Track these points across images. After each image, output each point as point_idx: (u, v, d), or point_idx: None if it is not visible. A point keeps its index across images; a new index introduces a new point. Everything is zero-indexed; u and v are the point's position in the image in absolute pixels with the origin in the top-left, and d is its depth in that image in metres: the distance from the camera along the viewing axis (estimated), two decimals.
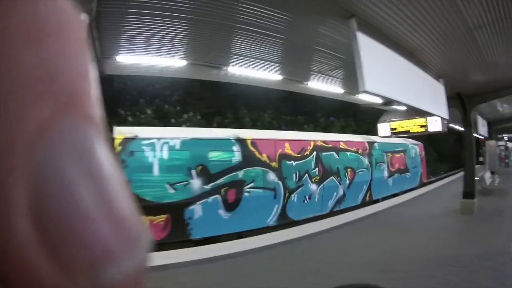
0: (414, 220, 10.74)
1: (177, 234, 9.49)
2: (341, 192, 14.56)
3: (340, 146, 14.98)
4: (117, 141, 8.87)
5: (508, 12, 5.70)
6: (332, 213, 12.90)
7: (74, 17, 0.19)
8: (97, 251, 0.17)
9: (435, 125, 10.57)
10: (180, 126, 16.57)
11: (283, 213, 12.05)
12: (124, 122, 16.55)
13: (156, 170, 9.36)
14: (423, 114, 10.09)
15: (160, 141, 9.61)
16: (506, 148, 38.58)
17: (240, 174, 11.00)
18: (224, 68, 8.01)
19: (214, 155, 10.57)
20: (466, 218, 10.46)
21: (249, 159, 11.28)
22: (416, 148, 20.71)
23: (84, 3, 4.41)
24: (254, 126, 21.32)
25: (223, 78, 9.43)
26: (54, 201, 0.16)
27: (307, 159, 13.27)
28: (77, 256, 0.16)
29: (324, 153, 13.97)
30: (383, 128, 12.42)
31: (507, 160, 38.17)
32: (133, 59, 7.10)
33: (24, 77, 0.16)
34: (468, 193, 11.48)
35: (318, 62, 8.19)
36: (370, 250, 7.46)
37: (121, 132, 9.18)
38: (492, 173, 20.22)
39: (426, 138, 18.08)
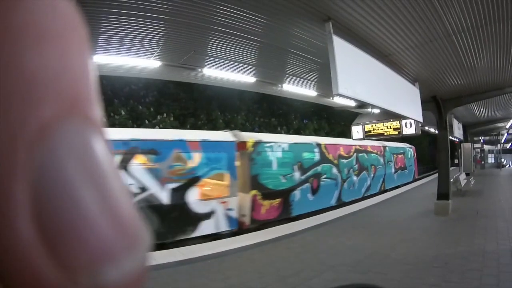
0: (390, 221, 10.78)
1: (285, 213, 13.16)
2: (369, 183, 19.38)
3: (368, 149, 19.68)
4: (249, 144, 11.99)
5: (489, 17, 5.75)
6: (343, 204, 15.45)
7: (75, 18, 0.19)
8: (98, 251, 0.17)
9: (409, 127, 10.69)
10: (154, 127, 16.45)
11: (339, 197, 16.54)
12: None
13: (274, 165, 12.99)
14: (398, 117, 10.18)
15: (275, 144, 13.29)
16: (482, 150, 39.39)
17: (319, 168, 15.36)
18: (199, 69, 7.95)
19: (305, 154, 14.68)
20: (441, 219, 10.56)
21: (323, 158, 15.68)
22: (411, 151, 25.86)
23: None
24: (227, 127, 21.28)
25: (198, 80, 9.39)
26: (55, 202, 0.16)
27: (351, 158, 17.97)
28: (78, 255, 0.16)
29: (360, 154, 18.75)
30: (357, 131, 12.55)
31: (483, 162, 38.97)
32: (109, 59, 7.00)
33: (25, 79, 0.16)
34: (443, 194, 11.60)
35: (293, 65, 8.21)
36: (348, 252, 7.47)
37: (250, 137, 12.52)
38: (467, 174, 20.58)
39: (400, 140, 18.44)
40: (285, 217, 12.70)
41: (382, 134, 11.68)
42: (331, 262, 6.82)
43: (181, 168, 9.82)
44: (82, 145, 0.18)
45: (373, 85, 6.24)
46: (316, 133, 26.33)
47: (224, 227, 10.74)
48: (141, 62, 7.28)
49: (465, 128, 21.34)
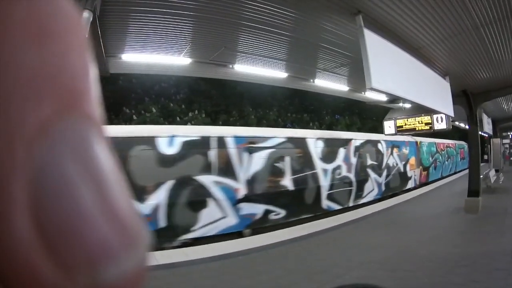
0: (419, 219, 10.71)
1: (427, 179, 21.83)
2: (453, 165, 27.08)
3: (449, 145, 27.49)
4: (419, 143, 18.59)
5: None
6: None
7: (75, 17, 0.19)
8: (97, 250, 0.16)
9: (440, 122, 10.54)
10: (185, 124, 16.55)
11: (442, 173, 24.82)
12: (129, 121, 16.56)
13: (425, 155, 21.19)
14: (429, 111, 10.05)
15: (426, 143, 21.29)
16: (511, 146, 38.45)
17: (435, 156, 23.72)
18: (230, 65, 8.01)
19: (432, 149, 23.14)
20: (471, 217, 10.40)
21: (436, 151, 23.82)
22: (465, 146, 28.05)
23: (88, 1, 4.41)
24: (259, 124, 21.26)
25: (228, 76, 9.45)
26: (54, 200, 0.16)
27: (445, 150, 25.88)
28: (77, 254, 0.16)
29: (447, 148, 26.50)
30: (389, 126, 12.40)
31: (511, 158, 38.04)
32: (138, 58, 7.12)
33: (24, 77, 0.16)
34: (473, 191, 11.42)
35: (324, 60, 8.20)
36: (377, 249, 7.43)
37: (422, 140, 18.89)
38: (497, 171, 20.17)
39: (431, 135, 18.18)
40: (426, 181, 21.39)
41: (414, 129, 11.54)
42: (360, 259, 6.81)
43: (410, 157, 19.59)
44: (81, 143, 0.18)
45: (404, 79, 6.21)
46: (348, 128, 26.03)
47: (412, 184, 19.52)
48: (171, 59, 7.36)
49: (494, 123, 20.89)
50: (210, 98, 20.96)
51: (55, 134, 0.17)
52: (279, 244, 8.03)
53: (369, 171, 15.41)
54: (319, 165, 12.65)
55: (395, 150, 17.62)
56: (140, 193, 8.24)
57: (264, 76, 9.03)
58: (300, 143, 11.98)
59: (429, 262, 6.38)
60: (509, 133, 35.51)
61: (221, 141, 9.90)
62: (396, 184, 17.49)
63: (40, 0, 0.18)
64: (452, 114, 9.47)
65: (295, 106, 26.59)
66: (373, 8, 5.44)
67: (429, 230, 9.03)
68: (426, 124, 10.94)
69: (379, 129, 13.95)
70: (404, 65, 6.31)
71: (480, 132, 13.80)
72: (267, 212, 10.84)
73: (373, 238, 8.44)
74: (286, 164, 11.45)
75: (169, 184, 8.80)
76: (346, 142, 13.91)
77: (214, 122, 18.92)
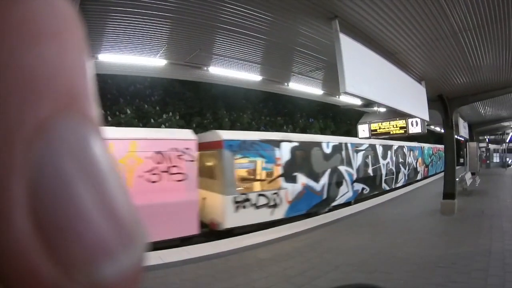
0: (396, 221, 10.77)
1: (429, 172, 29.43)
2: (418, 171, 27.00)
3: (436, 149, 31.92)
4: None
5: (495, 15, 5.73)
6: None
7: (72, 17, 0.19)
8: (95, 248, 0.17)
9: (415, 126, 10.64)
10: (159, 126, 16.50)
11: (435, 170, 30.92)
12: (104, 122, 16.33)
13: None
14: (404, 115, 10.13)
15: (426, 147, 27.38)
16: (488, 149, 39.22)
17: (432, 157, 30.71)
18: (205, 68, 7.95)
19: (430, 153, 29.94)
20: (447, 219, 10.51)
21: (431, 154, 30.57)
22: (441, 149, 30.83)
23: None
24: (233, 127, 21.29)
25: (203, 78, 9.43)
26: (53, 199, 0.16)
27: (435, 154, 30.94)
28: (75, 252, 0.16)
29: (436, 152, 31.55)
30: (363, 130, 12.49)
31: (488, 161, 38.81)
32: (114, 58, 7.01)
33: (23, 77, 0.16)
34: (449, 194, 11.56)
35: (299, 63, 8.20)
36: (355, 251, 7.45)
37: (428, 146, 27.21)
38: (473, 174, 20.51)
39: (406, 139, 18.48)
40: (427, 175, 28.33)
41: (388, 133, 11.62)
42: (337, 261, 6.79)
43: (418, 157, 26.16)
44: (79, 142, 0.18)
45: (379, 83, 6.23)
46: (322, 132, 26.19)
47: (420, 176, 26.60)
48: (146, 60, 7.28)
49: (470, 127, 21.32)
50: (185, 100, 20.91)
51: (53, 134, 0.17)
52: (255, 247, 7.99)
53: (401, 166, 22.52)
54: (381, 161, 19.54)
55: (411, 152, 24.74)
56: (315, 177, 13.92)
57: (238, 79, 9.01)
58: (373, 147, 18.60)
59: (406, 263, 6.42)
60: (485, 137, 36.22)
61: (346, 146, 16.06)
62: (413, 175, 24.84)
63: (38, 1, 0.18)
64: (427, 118, 9.56)
65: (269, 109, 26.67)
66: (349, 13, 5.44)
67: (406, 232, 9.12)
68: (401, 128, 11.02)
69: (353, 133, 14.32)
70: (379, 70, 6.32)
71: (456, 136, 14.00)
72: (363, 189, 17.31)
73: (350, 240, 8.45)
74: (370, 160, 18.30)
75: (328, 171, 14.68)
76: (390, 147, 20.73)
77: (187, 125, 18.83)
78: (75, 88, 0.18)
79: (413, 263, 6.38)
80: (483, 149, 37.21)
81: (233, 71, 8.42)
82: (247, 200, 10.97)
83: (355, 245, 7.99)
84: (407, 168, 23.46)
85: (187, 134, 10.16)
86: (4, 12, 0.17)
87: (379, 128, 11.80)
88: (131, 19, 5.66)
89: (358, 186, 16.70)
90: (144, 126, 15.62)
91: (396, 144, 21.34)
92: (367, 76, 5.74)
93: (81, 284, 0.16)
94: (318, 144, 14.34)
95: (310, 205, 13.24)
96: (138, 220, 0.19)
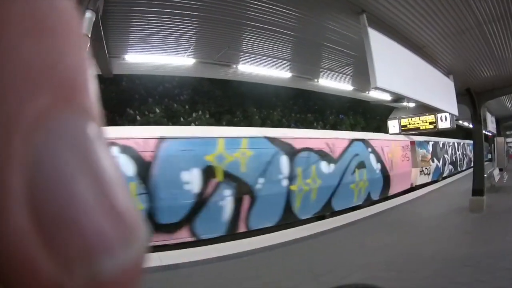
0: (424, 219, 10.68)
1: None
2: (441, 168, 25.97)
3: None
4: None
5: None
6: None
7: (72, 13, 0.19)
8: (94, 242, 0.16)
9: (444, 121, 10.51)
10: (189, 125, 16.56)
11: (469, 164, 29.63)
12: (132, 122, 16.55)
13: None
14: (433, 110, 10.03)
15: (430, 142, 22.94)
16: None
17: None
18: (234, 66, 8.00)
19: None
20: (476, 216, 10.39)
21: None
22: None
23: (90, 1, 4.38)
24: (263, 124, 21.24)
25: (233, 76, 9.46)
26: (51, 192, 0.16)
27: (446, 151, 27.42)
28: (74, 247, 0.16)
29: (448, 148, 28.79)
30: (393, 125, 12.39)
31: None
32: (142, 58, 7.11)
33: (22, 69, 0.16)
34: (478, 190, 11.40)
35: (328, 59, 8.20)
36: (383, 250, 7.43)
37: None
38: (501, 170, 20.13)
39: (435, 134, 18.22)
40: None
41: (418, 128, 11.53)
42: (363, 260, 6.79)
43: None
44: (78, 135, 0.18)
45: (409, 78, 6.20)
46: (353, 128, 26.01)
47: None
48: (175, 60, 7.35)
49: (498, 122, 20.86)
50: (214, 99, 20.90)
51: (52, 127, 0.17)
52: (283, 245, 8.02)
53: (463, 156, 30.27)
54: (457, 152, 28.42)
55: (467, 146, 30.41)
56: (438, 161, 22.64)
57: (268, 76, 8.99)
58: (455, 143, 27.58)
59: (433, 262, 6.36)
60: None
61: (443, 143, 24.13)
62: (468, 163, 29.81)
63: None
64: (456, 113, 9.46)
65: (299, 106, 26.49)
66: (376, 7, 5.44)
67: (433, 230, 9.04)
68: (431, 123, 10.92)
69: (383, 129, 13.91)
70: (408, 64, 6.30)
71: (484, 131, 13.77)
72: (451, 169, 26.39)
73: (377, 239, 8.43)
74: (452, 151, 26.94)
75: (441, 158, 22.69)
76: (460, 143, 28.84)
77: (218, 123, 18.89)
78: (75, 81, 0.18)
79: (439, 262, 6.34)
80: (510, 145, 36.43)
81: (262, 68, 8.42)
82: (422, 171, 20.24)
83: (383, 244, 7.97)
84: (467, 158, 31.36)
85: (406, 138, 17.98)
86: (3, 7, 0.16)
87: (409, 124, 11.72)
88: (158, 19, 5.74)
89: (450, 166, 26.54)
90: (174, 125, 15.68)
91: (456, 141, 28.92)
92: (396, 70, 5.73)
93: (81, 278, 0.16)
94: (439, 143, 23.70)
95: (437, 175, 22.53)
96: (138, 214, 0.20)
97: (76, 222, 0.16)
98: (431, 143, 22.11)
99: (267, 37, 6.66)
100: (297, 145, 11.88)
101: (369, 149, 15.23)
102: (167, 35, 6.38)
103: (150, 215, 8.51)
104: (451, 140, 27.01)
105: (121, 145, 8.35)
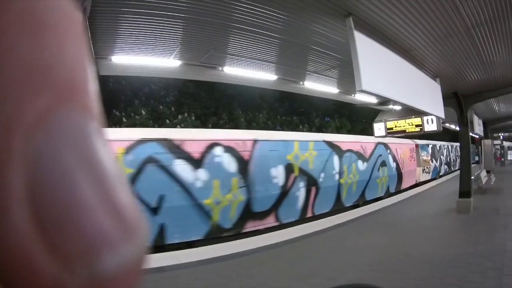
0: (411, 220, 10.73)
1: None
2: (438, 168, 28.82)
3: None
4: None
5: (508, 10, 5.70)
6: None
7: (71, 12, 0.19)
8: (95, 241, 0.17)
9: (431, 124, 10.57)
10: (175, 127, 16.58)
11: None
12: (119, 124, 16.49)
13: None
14: (419, 113, 10.09)
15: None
16: (502, 147, 38.85)
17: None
18: (220, 68, 7.96)
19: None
20: (463, 217, 10.44)
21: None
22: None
23: (78, 1, 4.31)
24: (249, 126, 21.35)
25: (218, 79, 9.42)
26: (52, 191, 0.16)
27: (444, 153, 30.66)
28: (75, 245, 0.16)
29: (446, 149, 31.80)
30: (379, 128, 12.45)
31: (503, 159, 38.44)
32: (128, 60, 7.05)
33: (22, 68, 0.16)
34: (464, 192, 11.47)
35: (314, 62, 8.19)
36: (371, 250, 7.43)
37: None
38: (488, 172, 20.31)
39: (421, 137, 18.46)
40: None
41: (404, 131, 11.66)
42: (353, 261, 6.78)
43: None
44: (79, 134, 0.18)
45: (395, 81, 6.21)
46: (338, 131, 26.26)
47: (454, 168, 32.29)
48: (161, 61, 7.31)
49: (485, 125, 21.12)
50: (200, 101, 21.02)
51: (53, 125, 0.17)
52: (271, 247, 7.99)
53: (456, 158, 32.39)
54: (449, 154, 30.94)
55: (455, 148, 31.90)
56: (435, 161, 26.63)
57: (253, 78, 9.00)
58: (443, 146, 29.44)
59: (422, 263, 6.38)
60: (500, 134, 35.88)
61: (439, 146, 27.83)
62: (456, 164, 31.77)
63: None
64: (443, 116, 9.51)
65: (285, 109, 26.74)
66: (363, 10, 5.42)
67: (422, 231, 9.07)
68: (417, 125, 11.02)
69: (369, 131, 14.25)
70: (394, 67, 6.30)
71: (471, 134, 13.88)
72: (446, 168, 29.42)
73: (367, 240, 8.44)
74: (445, 153, 29.73)
75: (438, 159, 27.31)
76: (450, 146, 30.92)
77: (203, 125, 18.94)
78: (75, 80, 0.18)
79: (429, 263, 6.34)
80: (498, 147, 36.88)
81: (248, 71, 8.41)
82: (423, 170, 23.54)
83: (372, 244, 7.98)
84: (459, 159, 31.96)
85: (411, 141, 21.68)
86: (3, 4, 0.16)
87: (395, 126, 11.82)
88: (145, 20, 5.69)
89: (445, 166, 29.95)
90: (160, 127, 15.70)
91: (450, 143, 31.61)
92: (382, 73, 5.73)
93: (81, 277, 0.16)
94: (436, 146, 27.09)
95: (435, 174, 26.06)
96: (139, 213, 0.19)
97: (77, 221, 0.16)
98: (430, 146, 25.40)
99: (253, 39, 6.63)
100: (343, 147, 14.99)
101: (388, 151, 18.86)
102: (153, 37, 6.33)
103: (248, 205, 10.78)
104: (445, 143, 29.84)
105: (225, 146, 10.31)
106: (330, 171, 14.13)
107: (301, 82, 9.71)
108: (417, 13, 5.61)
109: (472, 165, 14.06)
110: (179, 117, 19.19)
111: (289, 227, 10.45)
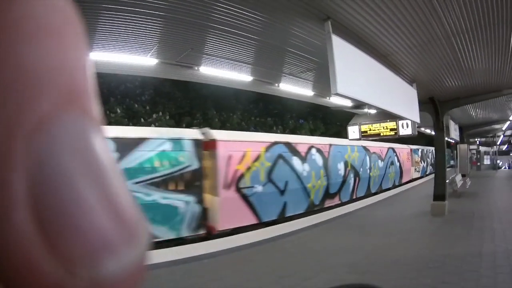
0: (386, 222, 10.77)
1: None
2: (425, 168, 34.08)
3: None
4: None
5: (488, 20, 5.78)
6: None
7: (72, 14, 0.19)
8: (96, 243, 0.17)
9: (406, 128, 10.69)
10: (149, 126, 16.51)
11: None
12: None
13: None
14: (394, 117, 10.17)
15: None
16: (478, 152, 39.60)
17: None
18: (196, 67, 7.91)
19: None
20: (438, 220, 10.54)
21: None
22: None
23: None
24: (222, 127, 21.34)
25: (194, 78, 9.38)
26: (54, 194, 0.16)
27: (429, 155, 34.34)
28: (76, 248, 0.16)
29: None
30: (353, 131, 12.57)
31: (479, 164, 39.18)
32: (105, 57, 6.94)
33: (23, 73, 0.16)
34: (439, 195, 11.58)
35: (290, 64, 8.20)
36: (345, 252, 7.43)
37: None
38: (463, 176, 20.66)
39: (396, 141, 18.83)
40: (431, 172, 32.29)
41: (379, 135, 11.76)
42: (328, 262, 6.79)
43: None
44: (80, 137, 0.18)
45: (371, 85, 6.23)
46: (312, 133, 26.42)
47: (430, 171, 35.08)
48: (137, 59, 7.22)
49: (461, 130, 21.59)
50: (175, 100, 21.01)
51: (54, 129, 0.17)
52: (246, 247, 7.96)
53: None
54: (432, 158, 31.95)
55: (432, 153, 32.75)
56: (424, 163, 33.62)
57: (229, 79, 8.98)
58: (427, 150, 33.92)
59: (397, 264, 6.43)
60: (476, 139, 36.63)
61: (422, 150, 32.69)
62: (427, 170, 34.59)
63: None
64: (418, 120, 9.61)
65: (259, 110, 26.85)
66: (342, 15, 5.43)
67: (397, 233, 9.12)
68: (392, 129, 11.16)
69: (343, 134, 15.37)
70: (371, 72, 6.33)
71: (446, 138, 14.08)
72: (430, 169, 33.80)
73: (341, 242, 8.45)
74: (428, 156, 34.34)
75: (424, 162, 33.25)
76: (418, 149, 31.57)
77: (177, 124, 18.86)
78: (76, 84, 0.18)
79: (404, 264, 6.38)
80: (474, 151, 37.58)
81: (224, 71, 8.37)
82: (415, 169, 28.32)
83: (347, 246, 7.99)
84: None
85: (407, 147, 26.61)
86: (3, 9, 0.17)
87: (369, 130, 11.96)
88: (123, 17, 5.61)
89: (430, 167, 33.57)
90: (134, 125, 15.55)
91: (432, 148, 31.16)
92: (358, 77, 5.74)
93: (84, 280, 0.16)
94: (424, 150, 32.27)
95: (423, 173, 31.44)
96: (140, 216, 0.19)
97: (78, 224, 0.16)
98: (420, 150, 31.30)
99: (230, 40, 6.59)
100: (371, 150, 20.73)
101: (394, 154, 24.71)
102: (132, 34, 6.26)
103: (327, 189, 15.93)
104: (431, 148, 32.20)
105: (317, 147, 15.26)
106: (365, 167, 20.02)
107: (276, 84, 9.72)
108: (397, 19, 5.63)
109: (448, 169, 14.29)
110: (154, 116, 19.07)
111: (346, 205, 15.02)
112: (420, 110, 9.61)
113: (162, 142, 9.61)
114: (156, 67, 7.70)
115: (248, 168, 11.68)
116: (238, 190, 11.32)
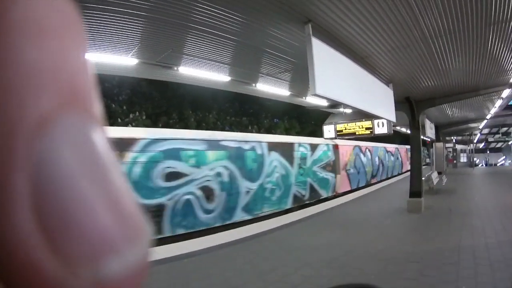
0: (364, 219, 10.81)
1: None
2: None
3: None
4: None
5: (466, 23, 5.94)
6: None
7: (73, 14, 0.20)
8: (99, 243, 0.17)
9: (381, 127, 10.86)
10: (126, 126, 16.39)
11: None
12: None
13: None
14: (370, 116, 10.30)
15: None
16: (454, 150, 40.37)
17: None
18: (175, 68, 7.92)
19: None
20: (415, 216, 10.69)
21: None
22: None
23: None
24: (198, 127, 21.35)
25: (172, 78, 9.35)
26: (55, 193, 0.16)
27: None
28: (79, 248, 0.16)
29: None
30: (329, 130, 12.74)
31: (455, 161, 39.96)
32: (88, 57, 6.85)
33: (24, 72, 0.17)
34: (415, 192, 11.77)
35: (268, 65, 8.25)
36: (323, 248, 7.50)
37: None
38: (440, 173, 21.05)
39: (371, 139, 19.06)
40: None
41: (354, 134, 11.97)
42: (307, 259, 6.86)
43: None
44: (81, 137, 0.18)
45: (348, 86, 6.33)
46: (287, 132, 26.55)
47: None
48: (117, 59, 7.18)
49: (437, 128, 22.16)
50: (151, 100, 20.96)
51: (55, 129, 0.17)
52: (226, 245, 8.02)
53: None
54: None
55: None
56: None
57: (207, 79, 8.97)
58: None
59: (377, 259, 6.54)
60: (453, 138, 37.42)
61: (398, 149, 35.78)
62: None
63: None
64: (394, 120, 9.74)
65: (235, 110, 26.90)
66: (323, 18, 5.51)
67: (375, 229, 9.23)
68: (367, 128, 11.37)
69: (318, 133, 15.18)
70: (349, 73, 6.42)
71: (422, 137, 14.34)
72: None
73: (320, 238, 8.51)
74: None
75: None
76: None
77: (154, 124, 18.79)
78: (77, 84, 0.19)
79: (383, 259, 6.49)
80: (450, 150, 38.34)
81: (202, 72, 8.38)
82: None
83: (325, 242, 8.06)
84: (425, 158, 39.10)
85: (404, 147, 33.94)
86: (4, 9, 0.17)
87: (345, 129, 12.19)
88: (103, 16, 5.58)
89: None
90: (111, 125, 15.42)
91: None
92: (336, 79, 5.84)
93: (86, 280, 0.16)
94: (395, 150, 33.68)
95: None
96: (142, 215, 0.20)
97: (80, 224, 0.16)
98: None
99: (210, 40, 6.61)
100: (388, 149, 28.93)
101: (399, 151, 33.28)
102: (113, 34, 6.22)
103: (372, 172, 25.17)
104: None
105: (344, 148, 19.85)
106: (385, 161, 28.62)
107: (254, 84, 9.75)
108: (376, 22, 5.74)
109: (424, 167, 14.55)
110: (130, 115, 18.97)
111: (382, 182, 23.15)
112: (396, 109, 9.74)
113: (326, 146, 18.29)
114: (135, 67, 7.68)
115: (348, 159, 20.63)
116: (346, 171, 20.23)
